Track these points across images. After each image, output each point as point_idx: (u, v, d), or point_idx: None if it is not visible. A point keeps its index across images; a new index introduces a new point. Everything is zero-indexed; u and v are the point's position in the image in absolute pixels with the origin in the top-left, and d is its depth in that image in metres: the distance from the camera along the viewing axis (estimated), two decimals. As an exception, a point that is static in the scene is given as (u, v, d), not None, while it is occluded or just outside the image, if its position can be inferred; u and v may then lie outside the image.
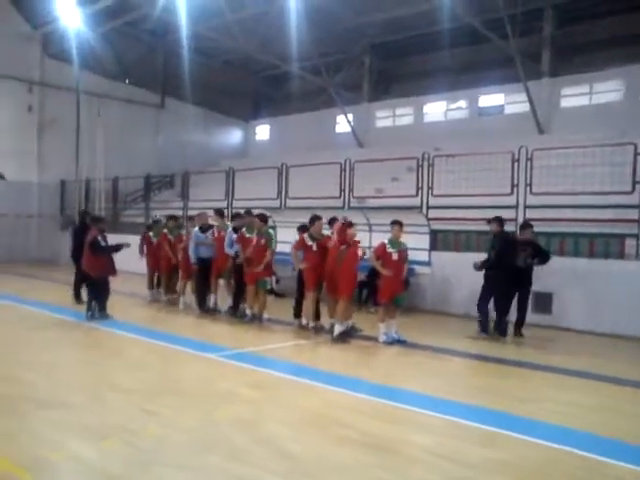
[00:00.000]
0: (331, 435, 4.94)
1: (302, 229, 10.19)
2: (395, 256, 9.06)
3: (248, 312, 10.52)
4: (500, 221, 9.93)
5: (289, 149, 27.29)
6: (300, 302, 10.20)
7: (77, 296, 11.93)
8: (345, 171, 15.16)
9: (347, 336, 9.10)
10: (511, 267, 9.53)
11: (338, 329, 9.05)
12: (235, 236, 10.65)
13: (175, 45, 25.24)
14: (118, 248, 10.18)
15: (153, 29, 25.88)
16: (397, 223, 9.26)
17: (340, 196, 15.09)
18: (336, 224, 9.58)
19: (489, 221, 10.09)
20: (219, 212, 11.79)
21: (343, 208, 14.50)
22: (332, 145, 26.39)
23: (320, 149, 24.86)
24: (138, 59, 26.98)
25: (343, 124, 28.06)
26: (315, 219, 9.77)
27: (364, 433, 5.00)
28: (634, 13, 19.87)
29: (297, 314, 10.27)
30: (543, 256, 9.81)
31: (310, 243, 9.65)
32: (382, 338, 9.02)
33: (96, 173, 21.98)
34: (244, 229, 10.50)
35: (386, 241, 9.18)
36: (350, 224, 9.31)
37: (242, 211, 11.39)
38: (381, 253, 9.11)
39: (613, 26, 20.65)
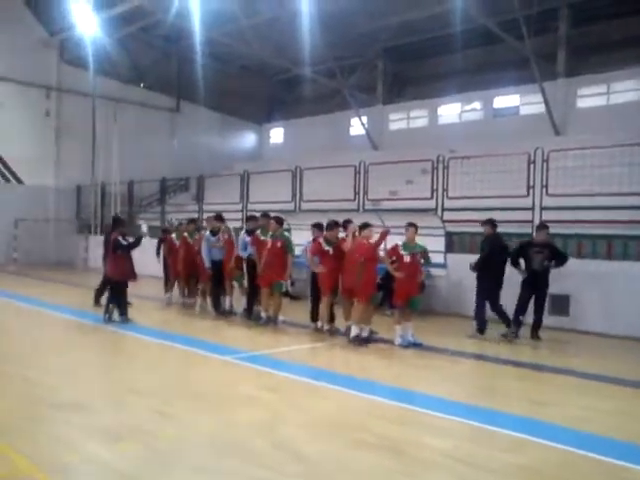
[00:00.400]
0: (348, 438, 4.92)
1: (317, 227, 10.15)
2: (407, 258, 8.98)
3: (263, 314, 10.52)
4: (493, 224, 9.84)
5: (303, 152, 27.33)
6: (316, 305, 10.16)
7: (97, 300, 12.02)
8: (359, 174, 15.16)
9: (366, 341, 9.01)
10: (499, 269, 9.61)
11: (355, 331, 9.00)
12: (249, 239, 10.68)
13: (189, 50, 25.46)
14: (138, 241, 10.36)
15: (167, 35, 26.17)
16: (412, 225, 9.21)
17: (354, 199, 15.09)
18: (350, 226, 9.53)
19: (483, 223, 10.02)
20: (218, 217, 11.78)
21: (358, 211, 14.49)
22: (346, 148, 26.39)
23: (334, 152, 24.86)
24: (153, 64, 27.23)
25: (357, 127, 28.06)
26: (333, 225, 9.74)
27: (381, 436, 4.98)
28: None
29: (314, 318, 10.22)
30: (561, 258, 9.73)
31: (327, 248, 9.62)
32: (398, 341, 8.97)
33: (112, 177, 22.20)
34: (258, 231, 10.51)
35: (399, 243, 9.13)
36: (366, 225, 9.27)
37: (258, 214, 11.41)
38: (393, 255, 9.08)
39: (629, 26, 20.45)
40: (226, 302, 11.50)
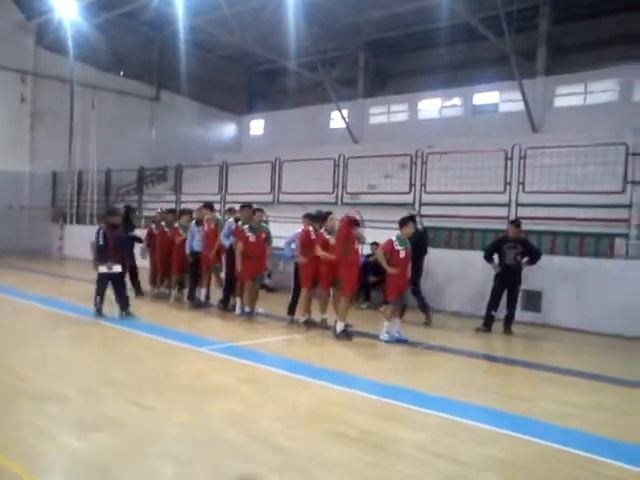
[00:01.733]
0: (326, 431, 4.96)
1: (310, 218, 9.98)
2: (402, 254, 8.95)
3: (247, 308, 10.45)
4: (413, 220, 9.52)
5: (283, 144, 27.24)
6: (297, 298, 10.11)
7: (137, 291, 12.21)
8: (339, 167, 15.19)
9: (349, 334, 9.02)
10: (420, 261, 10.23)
11: (340, 326, 9.00)
12: (234, 226, 10.55)
13: (171, 38, 25.17)
14: (102, 254, 9.72)
15: (149, 21, 25.76)
16: (411, 220, 9.16)
17: (333, 192, 15.12)
18: (343, 218, 9.39)
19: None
20: (209, 206, 11.73)
21: (336, 204, 14.51)
22: (326, 141, 26.39)
23: (314, 144, 24.83)
24: (133, 51, 26.86)
25: (338, 120, 28.05)
26: (328, 215, 9.65)
27: (359, 429, 5.02)
28: (629, 13, 19.96)
29: (292, 310, 10.19)
30: (534, 254, 9.90)
31: (327, 237, 9.51)
32: (384, 337, 8.92)
33: (89, 165, 21.92)
34: (240, 223, 10.43)
35: (394, 238, 9.00)
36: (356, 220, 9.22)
37: (237, 206, 11.35)
38: (389, 250, 8.95)
39: (608, 25, 20.72)
40: (202, 293, 11.47)
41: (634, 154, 11.65)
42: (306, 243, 9.72)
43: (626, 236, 11.16)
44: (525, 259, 9.84)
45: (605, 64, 20.30)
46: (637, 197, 11.35)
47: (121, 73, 26.57)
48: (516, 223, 10.12)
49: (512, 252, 9.79)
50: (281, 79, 30.11)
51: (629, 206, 11.28)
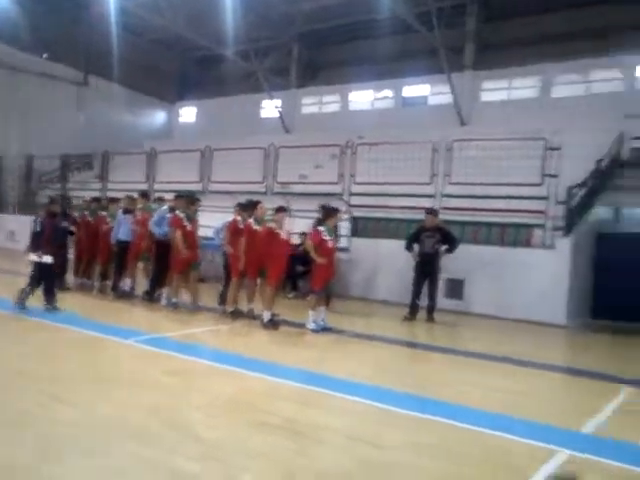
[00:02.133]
0: (249, 420, 4.94)
1: (242, 207, 9.90)
2: (330, 243, 9.06)
3: (165, 296, 10.29)
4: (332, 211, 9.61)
5: (215, 132, 26.91)
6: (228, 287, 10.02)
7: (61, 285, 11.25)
8: (269, 156, 15.16)
9: (276, 324, 9.03)
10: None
11: (267, 315, 9.02)
12: (169, 215, 10.25)
13: (99, 19, 24.13)
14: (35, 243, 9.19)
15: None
16: (337, 211, 9.29)
17: (263, 181, 15.08)
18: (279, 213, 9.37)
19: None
20: (144, 194, 11.50)
21: (266, 194, 14.49)
22: (259, 130, 26.23)
23: (247, 133, 24.65)
24: (58, 32, 25.65)
25: (270, 109, 27.92)
26: (257, 204, 9.62)
27: (282, 418, 5.03)
28: (550, 14, 20.75)
29: (223, 300, 10.12)
30: (451, 242, 10.22)
31: (241, 227, 9.50)
32: (311, 326, 8.98)
33: (9, 150, 20.95)
34: (178, 211, 10.08)
35: (322, 228, 9.08)
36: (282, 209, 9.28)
37: (167, 195, 11.14)
38: (318, 241, 9.01)
39: (531, 25, 21.48)
40: (127, 283, 11.21)
41: (551, 149, 12.19)
42: (234, 232, 9.67)
43: (543, 227, 11.68)
44: (443, 247, 10.16)
45: (527, 62, 21.05)
46: (553, 190, 11.88)
47: (44, 56, 25.40)
48: (433, 212, 10.43)
49: (430, 241, 10.11)
50: (214, 67, 29.67)
51: (546, 198, 11.80)
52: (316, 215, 9.73)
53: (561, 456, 4.46)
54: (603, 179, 12.49)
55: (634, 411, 6.07)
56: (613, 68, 19.81)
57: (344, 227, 12.63)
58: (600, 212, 12.60)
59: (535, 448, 4.62)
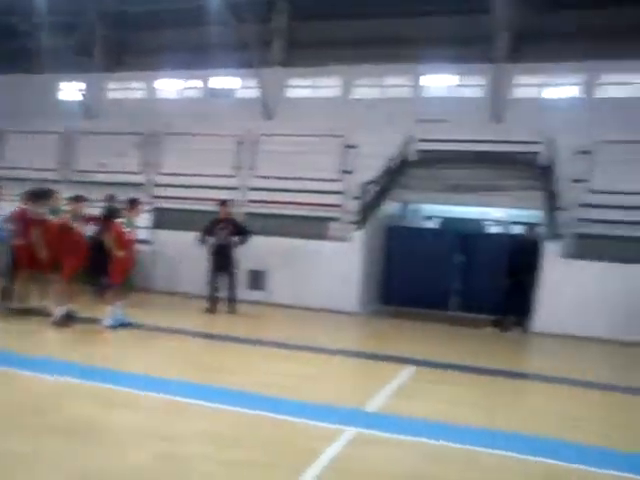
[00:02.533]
0: (27, 425, 4.58)
1: (31, 196, 9.13)
2: (130, 236, 8.84)
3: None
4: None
5: (5, 114, 24.41)
6: (12, 283, 9.22)
7: None
8: (67, 143, 14.22)
9: (69, 320, 8.51)
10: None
11: (59, 311, 8.44)
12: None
13: None
14: None
15: None
16: (138, 203, 9.06)
17: (59, 168, 14.11)
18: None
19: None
20: None
21: (62, 182, 13.57)
22: (57, 114, 24.31)
23: (43, 116, 22.72)
24: None
25: (71, 92, 25.97)
26: (52, 193, 9.05)
27: (71, 419, 4.77)
28: (357, 20, 21.90)
29: (6, 296, 9.25)
30: (243, 233, 10.51)
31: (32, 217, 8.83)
32: (108, 322, 8.58)
33: None
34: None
35: (121, 220, 8.81)
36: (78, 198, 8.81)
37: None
38: (118, 234, 8.73)
39: (338, 28, 22.47)
40: None
41: (348, 146, 12.99)
42: (22, 222, 8.95)
43: (339, 220, 12.41)
44: (236, 238, 10.41)
45: (331, 62, 22.04)
46: (349, 185, 12.69)
47: None
48: (226, 204, 10.64)
49: (223, 232, 10.33)
50: (7, 40, 26.79)
51: (343, 193, 12.55)
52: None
53: (349, 434, 4.77)
54: (393, 177, 13.49)
55: (414, 387, 6.70)
56: (405, 75, 21.45)
57: (145, 219, 12.27)
58: (390, 207, 13.63)
59: (324, 428, 4.88)
